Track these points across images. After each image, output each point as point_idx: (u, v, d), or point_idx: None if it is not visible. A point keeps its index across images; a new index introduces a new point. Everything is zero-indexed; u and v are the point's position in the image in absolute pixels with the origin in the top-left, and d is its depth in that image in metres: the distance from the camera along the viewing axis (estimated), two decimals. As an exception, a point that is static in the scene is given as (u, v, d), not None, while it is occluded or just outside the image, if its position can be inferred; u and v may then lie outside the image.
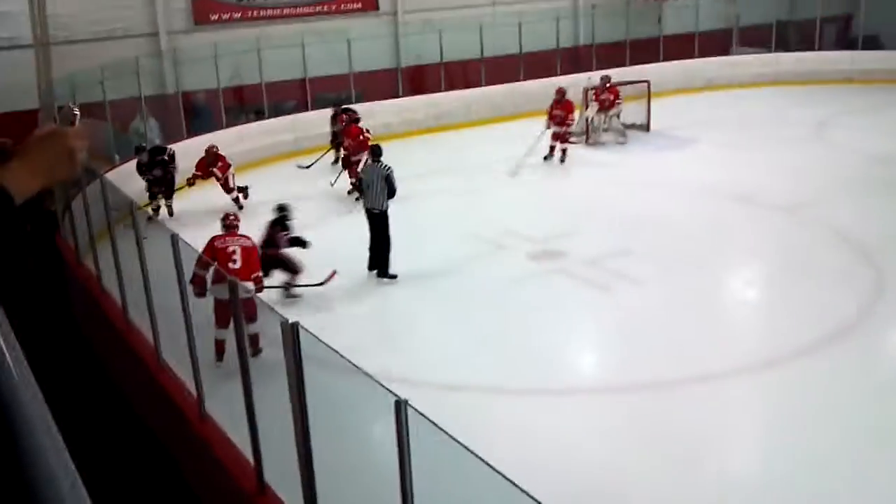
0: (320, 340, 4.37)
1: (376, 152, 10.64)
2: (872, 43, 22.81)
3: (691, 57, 22.40)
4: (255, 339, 7.21)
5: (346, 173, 13.94)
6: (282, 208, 9.76)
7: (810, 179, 13.38)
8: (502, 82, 19.86)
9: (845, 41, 23.81)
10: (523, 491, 3.09)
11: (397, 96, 19.12)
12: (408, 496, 3.74)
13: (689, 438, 6.59)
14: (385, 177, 10.19)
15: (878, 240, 10.48)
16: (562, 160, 15.44)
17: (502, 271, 10.22)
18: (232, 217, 8.35)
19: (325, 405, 4.66)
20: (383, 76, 19.75)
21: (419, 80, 20.18)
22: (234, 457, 5.80)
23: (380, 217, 10.19)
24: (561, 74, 19.97)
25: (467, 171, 15.17)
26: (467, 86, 19.65)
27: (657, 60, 21.71)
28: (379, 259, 10.16)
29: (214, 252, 7.69)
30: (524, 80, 19.97)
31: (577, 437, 6.67)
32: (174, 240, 6.25)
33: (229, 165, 13.68)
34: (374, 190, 10.23)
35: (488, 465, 3.30)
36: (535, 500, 3.03)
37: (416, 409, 3.66)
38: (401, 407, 3.65)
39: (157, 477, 7.30)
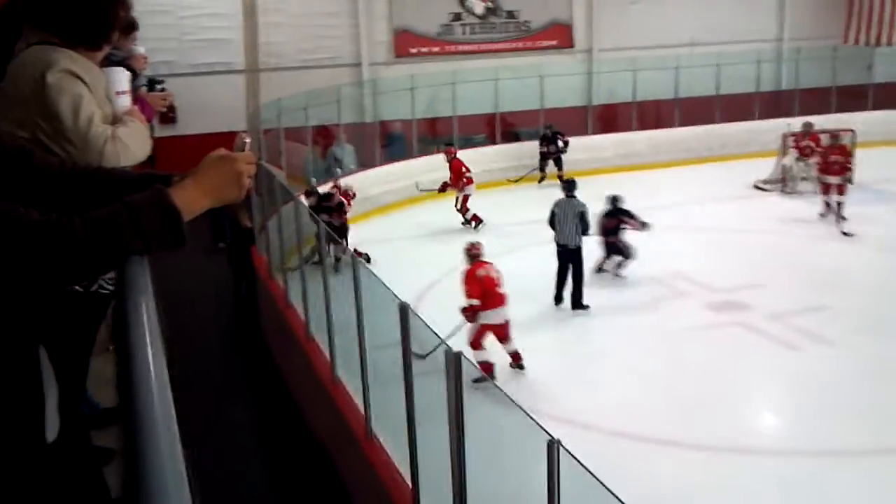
0: (487, 378, 4.42)
1: (571, 187, 10.67)
2: None
3: (903, 106, 21.02)
4: (516, 355, 8.51)
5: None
6: (615, 198, 11.30)
7: None
8: (696, 124, 19.41)
9: None
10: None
11: (586, 133, 19.06)
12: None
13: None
14: (580, 213, 10.29)
15: None
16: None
17: (679, 319, 9.93)
18: (478, 246, 8.63)
19: (483, 437, 4.69)
20: (573, 113, 19.74)
21: (609, 118, 20.04)
22: (395, 479, 5.93)
23: (575, 252, 10.29)
24: (759, 118, 19.30)
25: (650, 212, 14.86)
26: (659, 126, 19.32)
27: (865, 109, 20.53)
28: (574, 292, 10.32)
29: (481, 281, 8.24)
30: (720, 122, 19.43)
31: (741, 499, 6.36)
32: (353, 262, 6.51)
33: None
34: (567, 226, 10.30)
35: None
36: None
37: (567, 450, 3.64)
38: (553, 447, 3.63)
39: (324, 490, 7.57)
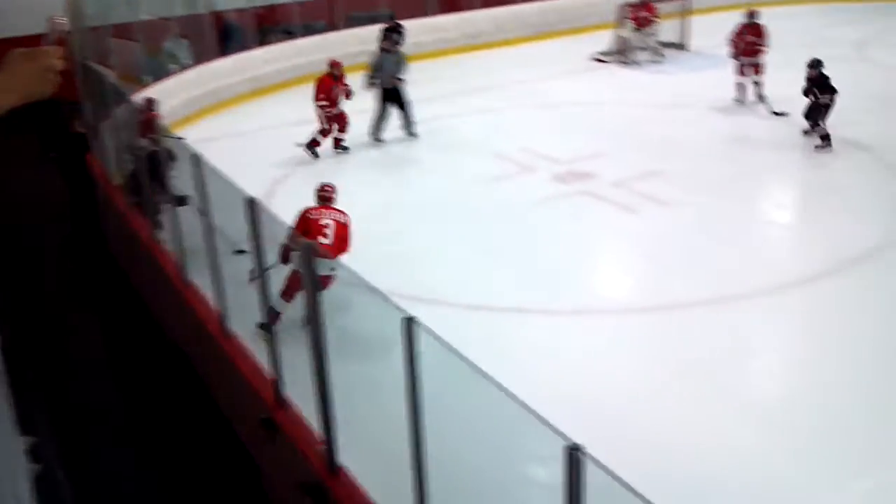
0: (337, 262, 4.41)
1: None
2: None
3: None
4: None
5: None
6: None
7: (848, 100, 13.00)
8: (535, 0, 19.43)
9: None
10: (531, 411, 3.11)
11: (426, 14, 18.73)
12: (416, 411, 3.81)
13: (710, 358, 6.60)
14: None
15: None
16: None
17: (528, 192, 10.17)
18: (328, 189, 7.44)
19: (340, 320, 4.73)
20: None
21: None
22: (255, 371, 5.93)
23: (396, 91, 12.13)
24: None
25: (496, 91, 15.02)
26: (501, 4, 19.22)
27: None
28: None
29: (307, 223, 7.01)
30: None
31: (600, 358, 6.69)
32: (196, 160, 6.29)
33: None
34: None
35: (497, 385, 3.32)
36: (544, 421, 3.04)
37: (424, 326, 3.70)
38: (410, 324, 3.69)
39: (183, 389, 7.52)
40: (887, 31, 17.60)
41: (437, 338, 3.64)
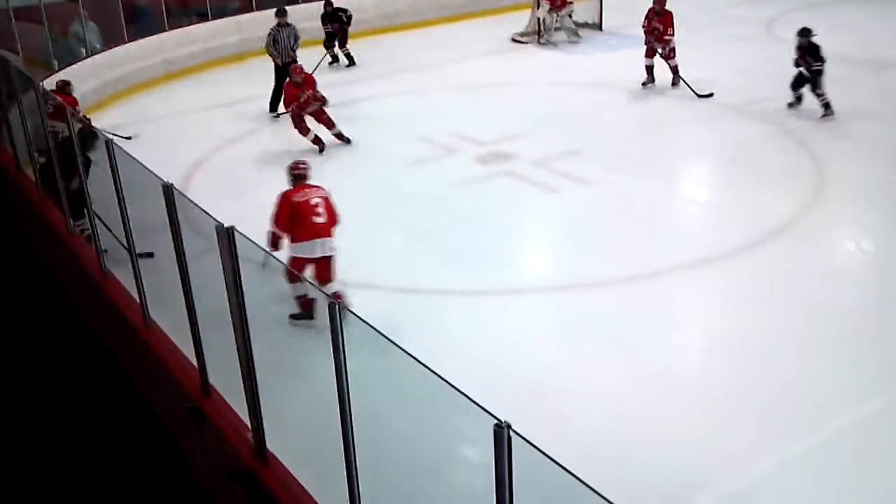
0: (258, 245, 4.36)
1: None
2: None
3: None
4: (338, 295, 6.18)
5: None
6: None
7: (759, 77, 13.40)
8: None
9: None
10: (459, 391, 3.13)
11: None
12: (344, 396, 3.81)
13: (635, 334, 6.74)
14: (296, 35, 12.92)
15: (821, 138, 10.66)
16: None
17: (451, 175, 10.21)
18: (303, 166, 7.11)
19: (264, 307, 4.68)
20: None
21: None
22: (180, 363, 5.84)
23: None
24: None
25: (416, 73, 15.00)
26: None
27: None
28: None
29: (295, 207, 6.67)
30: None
31: (524, 336, 6.78)
32: (108, 146, 6.12)
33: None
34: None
35: (425, 366, 3.33)
36: (472, 400, 3.07)
37: (349, 310, 3.70)
38: (334, 308, 3.67)
39: (105, 382, 7.36)
40: (790, 10, 18.10)
41: (364, 321, 3.63)
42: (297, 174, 7.01)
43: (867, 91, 12.64)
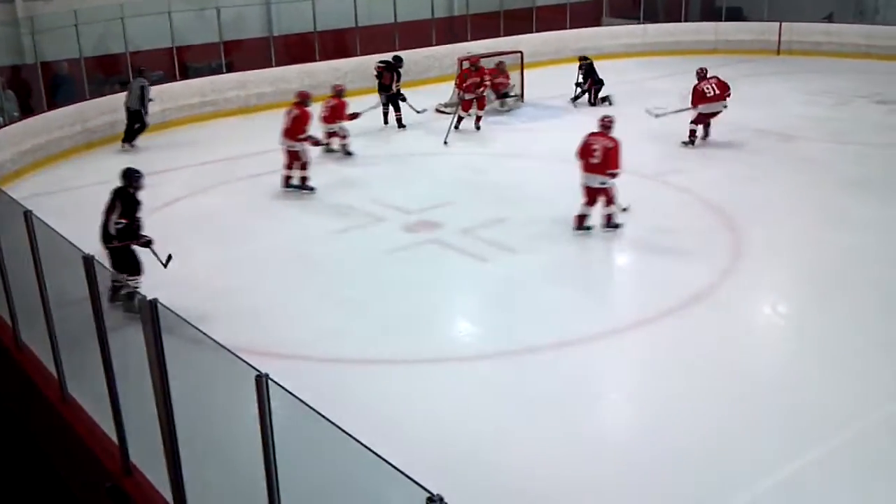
0: (184, 319, 4.29)
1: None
2: (735, 14, 23.79)
3: (563, 28, 22.77)
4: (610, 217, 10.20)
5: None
6: None
7: (676, 149, 13.88)
8: (377, 52, 19.69)
9: (710, 13, 24.70)
10: (389, 463, 3.10)
11: (271, 66, 18.67)
12: (272, 472, 3.74)
13: (564, 399, 6.82)
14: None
15: (735, 204, 11.04)
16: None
17: (378, 243, 10.23)
18: (608, 119, 10.14)
19: (189, 382, 4.57)
20: (255, 44, 19.29)
21: (293, 48, 19.74)
22: (99, 437, 5.65)
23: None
24: (437, 45, 20.00)
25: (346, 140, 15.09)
26: (341, 56, 19.36)
27: (531, 31, 22.02)
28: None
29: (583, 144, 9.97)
30: (399, 49, 19.85)
31: (455, 404, 6.78)
32: (27, 217, 5.99)
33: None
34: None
35: (354, 438, 3.29)
36: (402, 472, 3.04)
37: (277, 383, 3.65)
38: (262, 381, 3.63)
39: (20, 459, 7.07)
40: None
41: (292, 394, 3.59)
42: (604, 124, 10.02)
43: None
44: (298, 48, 19.52)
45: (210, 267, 9.55)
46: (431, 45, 19.99)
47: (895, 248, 9.79)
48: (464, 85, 15.52)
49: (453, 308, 8.97)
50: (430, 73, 19.82)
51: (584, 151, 9.97)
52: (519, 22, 21.80)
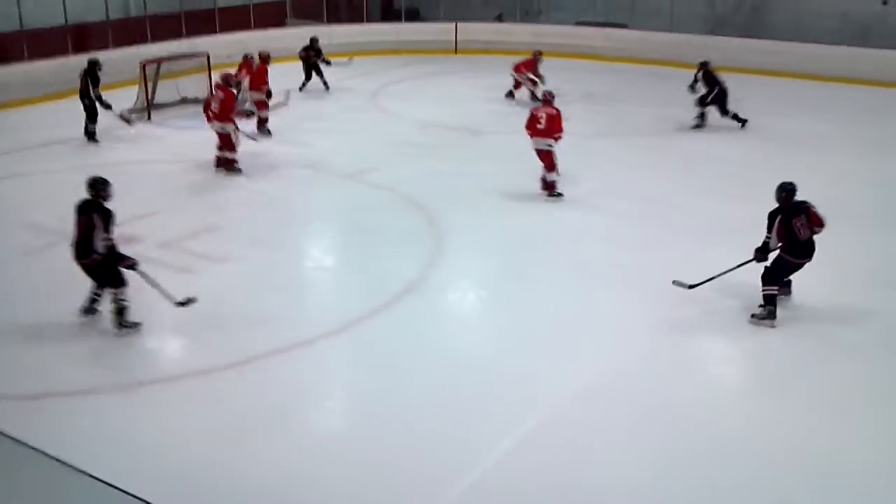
0: None
1: None
2: (413, 15, 24.85)
3: (248, 28, 22.48)
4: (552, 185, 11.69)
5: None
6: None
7: (370, 146, 14.25)
8: (47, 57, 18.23)
9: (389, 14, 25.58)
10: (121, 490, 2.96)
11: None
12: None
13: (283, 405, 6.85)
14: None
15: (432, 198, 11.56)
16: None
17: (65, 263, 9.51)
18: (550, 94, 11.84)
19: None
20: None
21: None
22: None
23: None
24: (114, 47, 18.93)
25: (18, 153, 13.87)
26: (4, 62, 17.67)
27: (214, 32, 21.52)
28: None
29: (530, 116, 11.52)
30: (71, 53, 18.55)
31: (190, 428, 6.56)
32: None
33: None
34: None
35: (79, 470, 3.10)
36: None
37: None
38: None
39: None
40: (392, 82, 19.57)
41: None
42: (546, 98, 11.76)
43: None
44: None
45: None
46: (109, 48, 18.84)
47: (578, 225, 10.78)
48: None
49: (166, 325, 8.49)
50: (108, 78, 18.65)
51: (532, 121, 11.58)
52: (201, 23, 21.20)
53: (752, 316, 8.17)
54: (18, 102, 17.09)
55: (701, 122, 15.30)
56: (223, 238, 10.24)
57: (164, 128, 15.84)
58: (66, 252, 9.60)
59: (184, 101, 17.17)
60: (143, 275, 7.98)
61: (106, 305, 8.10)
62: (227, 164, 12.82)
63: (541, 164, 11.64)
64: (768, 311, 8.13)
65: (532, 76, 17.35)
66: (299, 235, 10.76)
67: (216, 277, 9.26)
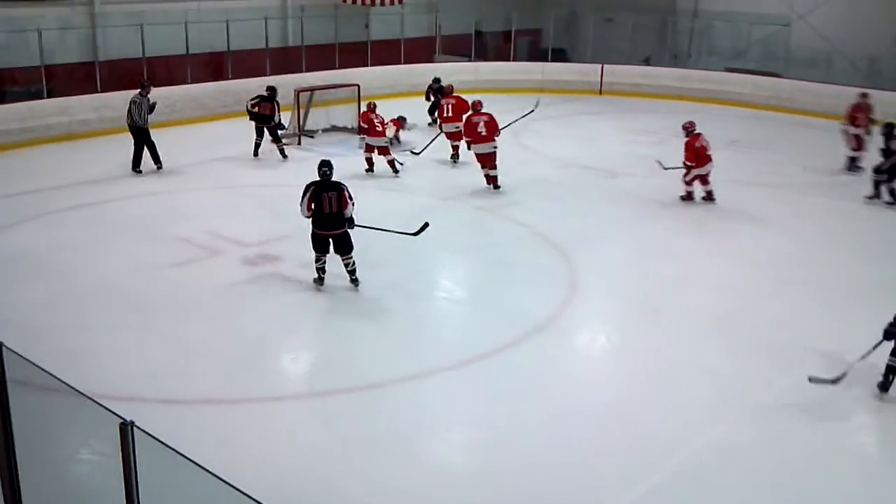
0: (32, 363, 4.05)
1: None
2: (560, 56, 25.01)
3: (398, 62, 23.13)
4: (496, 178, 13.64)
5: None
6: None
7: (509, 182, 14.32)
8: (210, 80, 19.33)
9: (536, 54, 25.81)
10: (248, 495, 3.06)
11: (96, 91, 17.87)
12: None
13: (407, 433, 6.89)
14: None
15: (568, 237, 11.50)
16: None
17: (217, 276, 9.97)
18: (478, 102, 13.87)
19: (37, 429, 4.31)
20: (79, 70, 18.48)
21: (118, 74, 18.99)
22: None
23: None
24: (271, 74, 19.82)
25: (173, 172, 14.65)
26: (172, 83, 18.80)
27: (366, 64, 22.22)
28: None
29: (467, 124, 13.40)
30: (232, 78, 19.58)
31: (297, 440, 6.72)
32: None
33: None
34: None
35: (218, 477, 3.23)
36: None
37: (143, 430, 3.51)
38: (127, 430, 3.48)
39: None
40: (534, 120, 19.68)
41: (161, 442, 3.47)
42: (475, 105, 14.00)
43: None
44: (125, 74, 18.80)
45: (29, 303, 9.06)
46: (266, 75, 19.74)
47: (714, 275, 10.48)
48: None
49: (298, 342, 8.78)
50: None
51: (471, 129, 13.50)
52: (354, 55, 21.95)
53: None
54: (184, 121, 18.17)
55: (876, 194, 13.64)
56: (361, 263, 10.44)
57: (312, 153, 16.39)
58: (205, 268, 10.03)
59: (333, 128, 17.77)
60: (369, 227, 9.62)
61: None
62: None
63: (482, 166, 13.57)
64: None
65: None
66: (433, 265, 10.88)
67: (347, 300, 9.47)
